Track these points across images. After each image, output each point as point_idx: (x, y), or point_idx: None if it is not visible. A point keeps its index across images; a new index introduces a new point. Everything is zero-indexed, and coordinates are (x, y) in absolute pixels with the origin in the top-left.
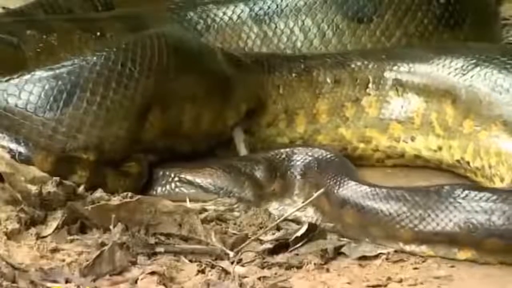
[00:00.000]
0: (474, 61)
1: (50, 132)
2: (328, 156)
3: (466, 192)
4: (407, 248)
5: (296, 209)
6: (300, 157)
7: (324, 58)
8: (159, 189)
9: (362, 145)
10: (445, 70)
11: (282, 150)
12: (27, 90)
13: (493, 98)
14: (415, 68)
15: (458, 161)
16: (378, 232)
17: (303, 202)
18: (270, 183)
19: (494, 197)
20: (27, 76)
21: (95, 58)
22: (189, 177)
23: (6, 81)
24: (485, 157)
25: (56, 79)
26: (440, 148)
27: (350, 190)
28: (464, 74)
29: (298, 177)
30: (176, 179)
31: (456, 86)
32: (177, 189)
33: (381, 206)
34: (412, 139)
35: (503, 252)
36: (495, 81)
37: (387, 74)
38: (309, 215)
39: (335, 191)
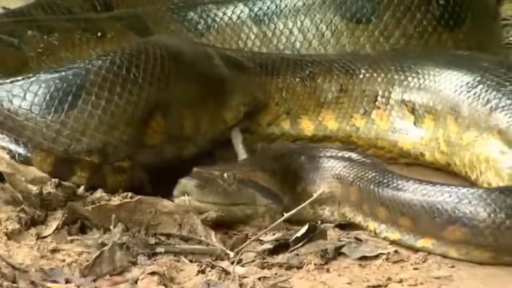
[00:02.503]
0: (479, 78)
1: (54, 134)
2: (341, 152)
3: (440, 184)
4: (381, 227)
5: (296, 209)
6: (314, 153)
7: (332, 64)
8: (217, 190)
9: (373, 149)
10: (452, 88)
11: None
12: (32, 92)
13: (493, 112)
14: (424, 86)
15: (465, 175)
16: (367, 209)
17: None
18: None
19: (464, 190)
20: (32, 78)
21: (100, 62)
22: (251, 178)
23: (11, 82)
24: (477, 165)
25: (62, 82)
26: (449, 164)
27: (358, 171)
28: (468, 91)
29: (315, 175)
30: (237, 180)
31: (460, 104)
32: (240, 191)
33: (372, 185)
34: (422, 155)
35: (465, 243)
36: (494, 96)
37: (396, 89)
38: (327, 208)
39: (347, 173)
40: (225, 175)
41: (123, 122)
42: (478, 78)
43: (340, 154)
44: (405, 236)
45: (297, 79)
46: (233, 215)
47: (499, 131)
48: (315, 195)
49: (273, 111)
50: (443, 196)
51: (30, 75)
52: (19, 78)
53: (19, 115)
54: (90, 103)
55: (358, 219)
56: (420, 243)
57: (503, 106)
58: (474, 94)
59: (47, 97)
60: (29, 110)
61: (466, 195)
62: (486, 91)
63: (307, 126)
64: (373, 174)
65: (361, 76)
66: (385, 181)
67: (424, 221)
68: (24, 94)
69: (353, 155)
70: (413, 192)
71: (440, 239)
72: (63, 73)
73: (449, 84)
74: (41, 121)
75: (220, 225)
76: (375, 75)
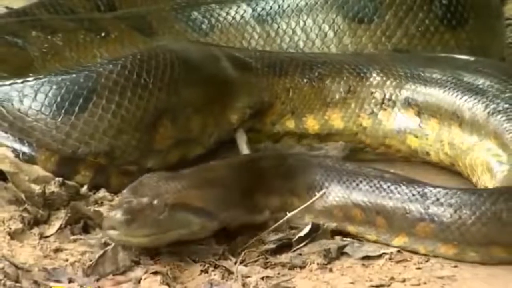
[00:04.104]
0: (481, 85)
1: (63, 136)
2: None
3: (409, 181)
4: (359, 229)
5: (297, 210)
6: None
7: (343, 66)
8: (146, 222)
9: (383, 148)
10: (455, 94)
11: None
12: (43, 93)
13: (490, 116)
14: (430, 91)
15: (467, 177)
16: (339, 213)
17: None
18: None
19: (431, 188)
20: (44, 79)
21: (111, 66)
22: (183, 201)
23: (22, 82)
24: (476, 168)
25: (73, 84)
26: (453, 165)
27: (315, 176)
28: (470, 97)
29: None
30: (167, 206)
31: (462, 110)
32: (172, 217)
33: (338, 188)
34: (427, 154)
35: (434, 238)
36: (493, 101)
37: (404, 93)
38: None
39: (304, 181)
40: (155, 202)
41: (132, 126)
42: (480, 86)
43: (312, 160)
44: (382, 235)
45: (305, 80)
46: (167, 239)
47: (495, 135)
48: (317, 195)
49: (278, 110)
50: (412, 193)
51: (41, 76)
52: (31, 78)
53: (29, 116)
54: (100, 107)
55: (333, 225)
56: (395, 242)
57: (500, 110)
58: (475, 99)
59: (58, 99)
60: (39, 111)
61: (434, 193)
62: (487, 97)
63: (312, 125)
64: (343, 177)
65: (371, 79)
66: (355, 183)
67: (396, 219)
68: (35, 95)
69: (325, 161)
70: (386, 191)
71: (413, 236)
72: (75, 76)
73: (453, 90)
74: (51, 122)
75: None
76: (384, 78)
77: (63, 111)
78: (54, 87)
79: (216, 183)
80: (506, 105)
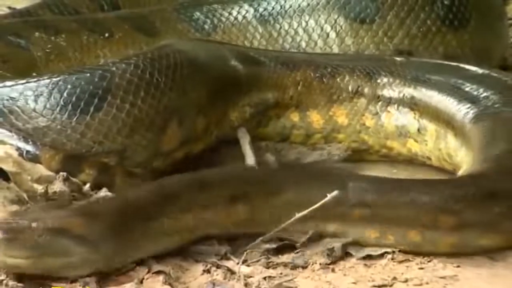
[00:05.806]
0: (478, 97)
1: (78, 136)
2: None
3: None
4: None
5: (305, 212)
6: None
7: (355, 66)
8: (25, 242)
9: (385, 150)
10: (453, 104)
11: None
12: (58, 92)
13: (473, 125)
14: (432, 99)
15: None
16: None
17: None
18: None
19: (355, 176)
20: (58, 78)
21: (124, 65)
22: (64, 227)
23: (36, 81)
24: None
25: (88, 84)
26: (455, 170)
27: (236, 186)
28: (465, 108)
29: None
30: (47, 230)
31: (459, 120)
32: (51, 241)
33: (264, 192)
34: (429, 158)
35: (359, 222)
36: (481, 112)
37: (408, 98)
38: None
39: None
40: (33, 225)
41: (144, 126)
42: (478, 97)
43: (231, 171)
44: (319, 225)
45: (317, 75)
46: (45, 265)
47: (473, 147)
48: (328, 196)
49: (284, 104)
50: (341, 181)
51: (56, 75)
52: (45, 77)
53: (44, 115)
54: (115, 106)
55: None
56: (329, 228)
57: (483, 120)
58: (468, 108)
59: (74, 99)
60: (54, 111)
61: (358, 180)
62: (479, 109)
63: (317, 120)
64: (268, 186)
65: (379, 81)
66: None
67: (327, 207)
68: (50, 94)
69: (242, 169)
70: (313, 183)
71: (346, 220)
72: (89, 75)
73: (451, 100)
74: (66, 122)
75: None
76: (391, 81)
77: (78, 110)
78: (69, 86)
79: (104, 212)
80: (490, 115)
